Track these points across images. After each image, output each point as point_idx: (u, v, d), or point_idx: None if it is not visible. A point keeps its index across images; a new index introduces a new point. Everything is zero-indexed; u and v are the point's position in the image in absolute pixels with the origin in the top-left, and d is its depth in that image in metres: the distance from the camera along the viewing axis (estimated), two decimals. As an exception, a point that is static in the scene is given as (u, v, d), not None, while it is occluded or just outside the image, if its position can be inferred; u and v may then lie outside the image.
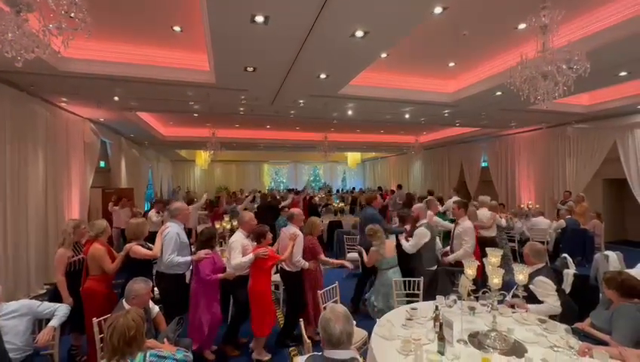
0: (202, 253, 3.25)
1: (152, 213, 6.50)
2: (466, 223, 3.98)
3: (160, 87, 5.29)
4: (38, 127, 5.66)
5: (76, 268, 3.25)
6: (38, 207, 5.63)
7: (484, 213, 5.28)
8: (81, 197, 7.14)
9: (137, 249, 3.17)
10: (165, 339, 2.40)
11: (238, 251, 3.36)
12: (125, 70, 4.75)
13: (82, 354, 3.32)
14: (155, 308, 2.73)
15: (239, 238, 3.47)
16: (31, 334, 2.53)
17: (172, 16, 3.98)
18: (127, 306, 2.47)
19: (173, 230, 3.29)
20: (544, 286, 2.69)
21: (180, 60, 4.93)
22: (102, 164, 8.90)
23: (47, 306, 2.64)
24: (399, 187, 11.64)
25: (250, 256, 3.31)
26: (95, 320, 2.53)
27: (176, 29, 4.23)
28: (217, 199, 9.15)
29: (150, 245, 3.35)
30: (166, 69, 4.90)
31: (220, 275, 3.33)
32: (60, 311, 2.65)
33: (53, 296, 3.26)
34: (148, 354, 1.90)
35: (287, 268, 3.67)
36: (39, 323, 2.65)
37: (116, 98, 5.93)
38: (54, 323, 2.57)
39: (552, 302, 2.63)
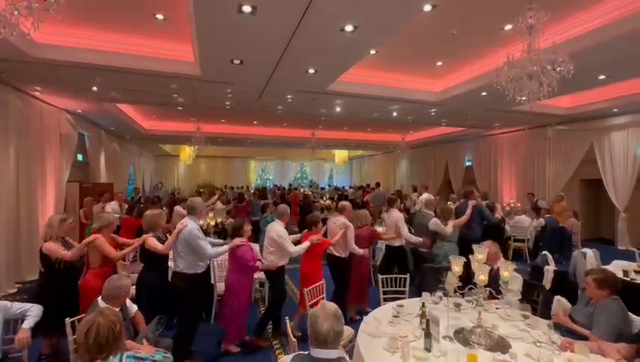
0: (237, 240, 3.30)
1: (180, 208, 6.51)
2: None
3: (142, 77, 5.08)
4: (9, 118, 5.34)
5: (61, 265, 3.06)
6: (8, 202, 5.32)
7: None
8: (57, 192, 6.82)
9: (152, 241, 3.13)
10: (144, 340, 2.29)
11: (289, 240, 3.62)
12: (104, 59, 4.52)
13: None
14: (134, 307, 2.61)
15: (283, 229, 3.68)
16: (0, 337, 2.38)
17: (155, 4, 3.81)
18: (102, 304, 2.34)
19: (193, 225, 3.22)
20: (515, 282, 2.76)
21: (164, 50, 4.75)
22: (79, 157, 8.52)
23: (19, 306, 2.49)
24: (377, 185, 12.47)
25: (306, 243, 3.60)
26: (68, 320, 2.40)
27: (160, 17, 4.06)
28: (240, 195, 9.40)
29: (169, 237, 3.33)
30: (148, 58, 4.70)
31: (263, 266, 3.53)
32: (33, 311, 2.50)
33: (37, 294, 3.09)
34: (124, 356, 1.80)
35: (337, 254, 4.00)
36: (6, 324, 2.49)
37: (95, 88, 5.66)
38: (29, 323, 2.43)
39: (510, 297, 2.69)
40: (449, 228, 4.46)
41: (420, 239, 4.57)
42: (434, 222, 4.60)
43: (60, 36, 4.29)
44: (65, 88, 5.71)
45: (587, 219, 8.78)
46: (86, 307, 2.69)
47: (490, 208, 5.17)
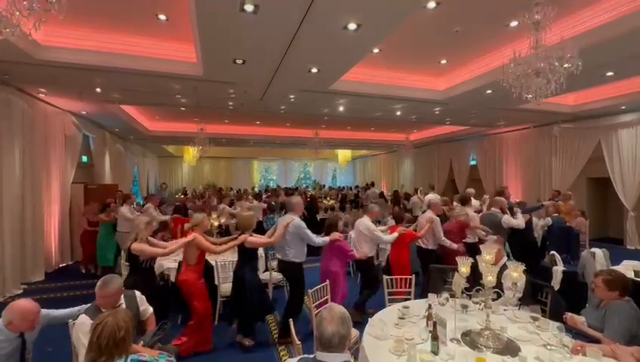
0: (336, 234, 3.76)
1: (257, 203, 7.78)
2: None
3: (144, 78, 5.08)
4: (13, 119, 5.36)
5: (147, 264, 3.28)
6: (13, 203, 5.34)
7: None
8: (62, 193, 6.86)
9: (253, 239, 3.48)
10: (141, 343, 2.25)
11: (379, 231, 4.24)
12: (107, 60, 4.53)
13: None
14: (149, 310, 2.58)
15: (371, 223, 4.21)
16: None
17: (157, 4, 3.81)
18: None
19: (298, 220, 3.70)
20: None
21: (166, 51, 4.74)
22: (84, 158, 8.57)
23: (59, 312, 2.45)
24: (372, 184, 13.57)
25: (396, 234, 4.15)
26: (71, 321, 2.37)
27: (162, 17, 4.06)
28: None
29: (256, 235, 3.63)
30: (151, 59, 4.70)
31: (358, 255, 3.97)
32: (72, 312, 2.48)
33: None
34: (129, 359, 1.79)
35: (424, 246, 4.51)
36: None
37: (98, 89, 5.68)
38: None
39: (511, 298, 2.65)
40: (520, 219, 4.78)
41: (495, 237, 4.68)
42: (507, 218, 4.81)
43: (64, 38, 4.30)
44: (69, 90, 5.73)
45: (595, 219, 8.64)
46: (190, 299, 3.25)
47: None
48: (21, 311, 2.06)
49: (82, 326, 2.10)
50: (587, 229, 7.16)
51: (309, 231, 3.66)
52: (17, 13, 1.92)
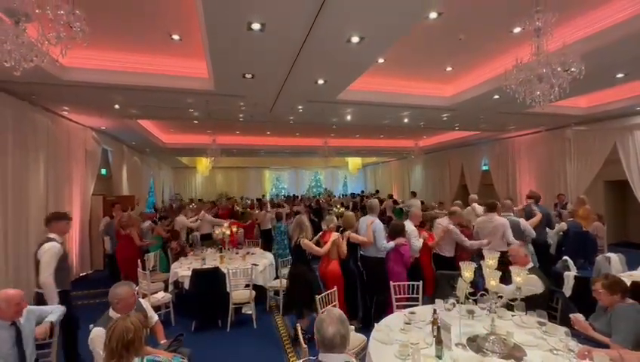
0: (402, 240, 4.09)
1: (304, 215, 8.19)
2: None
3: (160, 94, 5.34)
4: (39, 136, 5.71)
5: (309, 257, 3.90)
6: (39, 215, 5.62)
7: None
8: (83, 205, 7.18)
9: (355, 236, 4.12)
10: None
11: (416, 237, 4.42)
12: (125, 78, 4.81)
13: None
14: (154, 317, 2.70)
15: (413, 227, 4.46)
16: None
17: (171, 25, 4.04)
18: (113, 314, 2.37)
19: (379, 221, 4.17)
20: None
21: (179, 68, 4.99)
22: (103, 171, 8.95)
23: (43, 308, 2.72)
24: (377, 192, 14.28)
25: (421, 240, 4.40)
26: (91, 326, 2.50)
27: (175, 37, 4.29)
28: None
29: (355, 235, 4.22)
30: (165, 76, 4.95)
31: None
32: (59, 309, 2.76)
33: (304, 281, 3.78)
34: (145, 360, 1.90)
35: (441, 253, 4.57)
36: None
37: (117, 106, 5.99)
38: (52, 318, 2.66)
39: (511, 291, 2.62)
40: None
41: (519, 242, 4.52)
42: (524, 224, 4.81)
43: (86, 59, 4.60)
44: (90, 107, 6.07)
45: (613, 223, 8.38)
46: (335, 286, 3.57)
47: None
48: (6, 297, 2.30)
49: (98, 339, 2.19)
50: (605, 234, 6.95)
51: (381, 236, 4.04)
52: (47, 42, 2.12)
